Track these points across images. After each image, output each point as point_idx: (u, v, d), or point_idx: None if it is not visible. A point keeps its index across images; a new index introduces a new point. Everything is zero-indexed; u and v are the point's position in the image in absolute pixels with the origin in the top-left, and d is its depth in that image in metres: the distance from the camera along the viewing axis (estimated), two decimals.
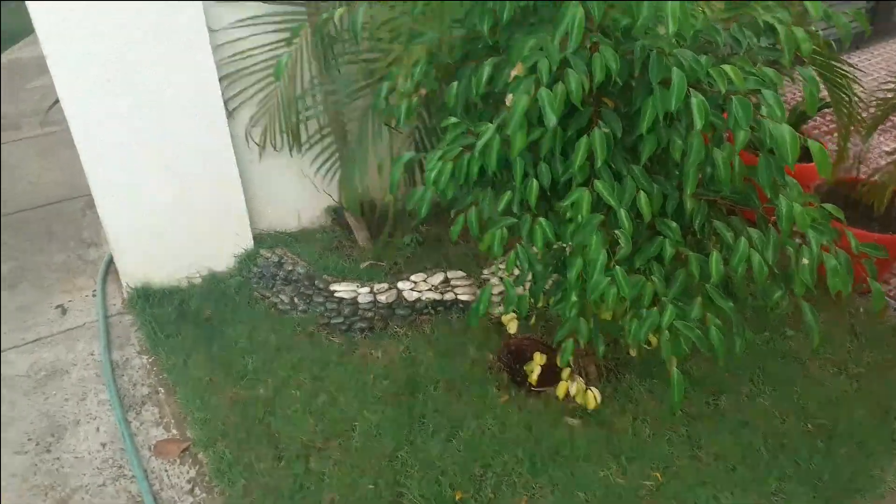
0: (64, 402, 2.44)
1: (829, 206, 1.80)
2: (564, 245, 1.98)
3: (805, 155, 3.03)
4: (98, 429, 2.34)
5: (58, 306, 2.87)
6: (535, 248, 1.92)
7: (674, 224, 1.84)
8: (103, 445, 2.29)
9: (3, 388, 2.49)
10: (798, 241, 1.76)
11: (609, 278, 1.75)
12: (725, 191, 1.87)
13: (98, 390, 2.48)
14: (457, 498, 2.03)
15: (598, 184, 1.77)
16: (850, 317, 2.63)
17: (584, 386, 2.23)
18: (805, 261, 1.75)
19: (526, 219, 1.89)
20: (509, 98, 1.70)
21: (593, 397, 2.19)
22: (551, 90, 1.62)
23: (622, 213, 1.76)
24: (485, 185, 2.00)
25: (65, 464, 2.23)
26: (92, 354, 2.63)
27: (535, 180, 1.85)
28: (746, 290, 1.91)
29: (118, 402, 2.41)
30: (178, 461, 2.23)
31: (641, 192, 1.78)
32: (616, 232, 1.77)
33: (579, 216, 1.76)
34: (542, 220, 1.87)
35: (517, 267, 1.96)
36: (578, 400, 2.22)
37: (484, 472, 2.11)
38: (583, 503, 2.00)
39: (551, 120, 1.63)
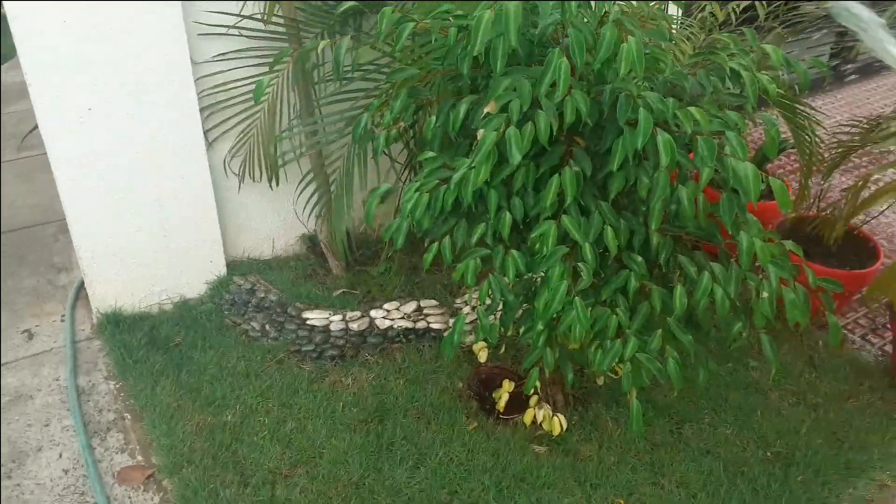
0: (27, 428, 2.41)
1: (788, 243, 1.88)
2: (535, 276, 2.04)
3: (769, 193, 3.15)
4: (61, 455, 2.31)
5: (24, 331, 2.85)
6: (506, 279, 1.97)
7: (639, 258, 1.90)
8: (66, 472, 2.26)
9: None
10: (760, 275, 1.83)
11: (571, 307, 1.81)
12: (690, 227, 1.95)
13: (62, 416, 2.45)
14: None
15: (565, 219, 1.83)
16: (809, 349, 2.70)
17: (550, 413, 2.27)
18: (765, 294, 1.82)
19: (499, 250, 1.94)
20: (480, 133, 1.77)
21: (559, 423, 2.22)
22: (520, 130, 1.69)
23: (587, 247, 1.83)
24: (459, 216, 2.05)
25: (25, 490, 2.19)
26: (57, 380, 2.61)
27: (508, 213, 1.91)
28: (711, 323, 1.97)
29: (82, 427, 2.39)
30: (143, 488, 2.21)
31: (608, 227, 1.85)
32: (579, 264, 1.84)
33: (545, 248, 1.82)
34: (514, 252, 1.93)
35: (489, 297, 2.01)
36: (545, 426, 2.25)
37: (451, 499, 2.12)
38: None
39: (516, 158, 1.70)
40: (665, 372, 1.86)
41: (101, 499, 2.14)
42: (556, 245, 1.82)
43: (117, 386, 2.58)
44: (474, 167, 1.75)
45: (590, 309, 1.87)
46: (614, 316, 1.85)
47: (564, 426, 2.26)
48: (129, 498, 2.17)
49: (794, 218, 3.08)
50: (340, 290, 3.03)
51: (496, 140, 1.72)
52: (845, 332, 2.87)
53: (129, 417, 2.45)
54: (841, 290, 1.90)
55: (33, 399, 2.52)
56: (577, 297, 1.82)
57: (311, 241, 3.28)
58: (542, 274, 1.89)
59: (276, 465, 2.21)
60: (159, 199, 2.75)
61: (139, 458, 2.31)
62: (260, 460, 2.23)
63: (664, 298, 1.89)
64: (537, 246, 1.86)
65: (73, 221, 2.66)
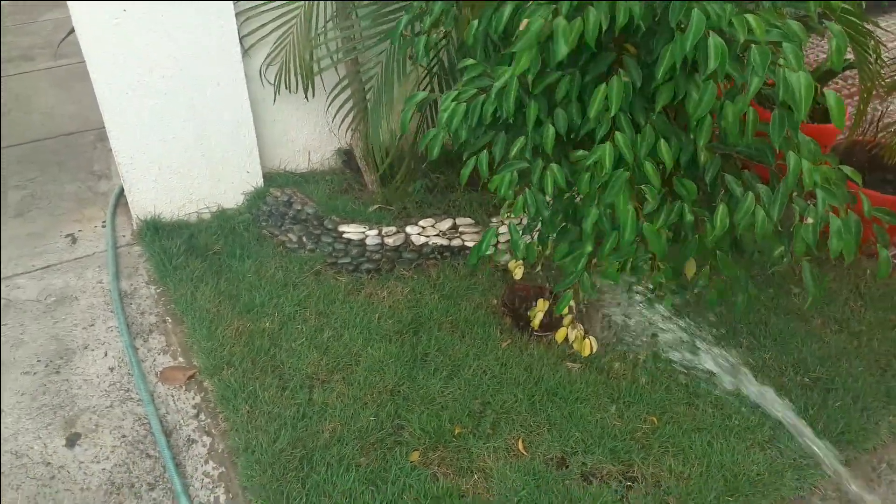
0: (73, 328, 2.48)
1: (846, 169, 1.78)
2: (576, 195, 1.98)
3: (823, 116, 2.99)
4: (106, 354, 2.38)
5: (68, 235, 2.90)
6: (544, 194, 1.92)
7: (691, 184, 1.82)
8: (111, 370, 2.33)
9: (13, 311, 2.54)
10: (811, 201, 1.75)
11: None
12: (740, 145, 1.86)
13: (106, 317, 2.52)
14: (455, 432, 2.07)
15: (618, 136, 1.75)
16: (856, 277, 2.63)
17: (582, 333, 2.25)
18: (809, 220, 1.74)
19: (537, 163, 1.88)
20: (524, 22, 1.67)
21: (589, 345, 2.21)
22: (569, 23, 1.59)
23: (647, 165, 1.75)
24: (499, 129, 1.99)
25: (73, 385, 2.27)
26: (101, 283, 2.66)
27: (551, 126, 1.84)
28: (753, 246, 1.91)
29: (126, 329, 2.45)
30: (184, 388, 2.27)
31: (662, 140, 1.77)
32: (643, 187, 1.76)
33: (603, 172, 1.74)
34: (553, 165, 1.86)
35: (525, 212, 1.96)
36: (576, 347, 2.24)
37: (483, 409, 2.15)
38: (578, 441, 2.04)
39: (561, 51, 1.59)
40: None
41: (145, 396, 2.22)
42: (613, 167, 1.74)
43: (158, 291, 2.63)
44: (511, 66, 1.67)
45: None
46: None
47: (595, 348, 2.24)
48: (172, 396, 2.24)
49: (849, 143, 2.95)
50: (376, 206, 3.01)
51: (540, 31, 1.62)
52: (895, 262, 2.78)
53: (170, 321, 2.51)
54: None
55: (78, 300, 2.59)
56: (646, 223, 1.76)
57: (346, 155, 3.25)
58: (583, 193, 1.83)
59: (313, 371, 2.26)
60: (196, 106, 2.73)
61: (180, 359, 2.37)
62: (298, 365, 2.27)
63: (717, 235, 1.81)
64: (595, 171, 1.78)
65: (112, 127, 2.65)
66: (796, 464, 2.00)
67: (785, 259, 1.86)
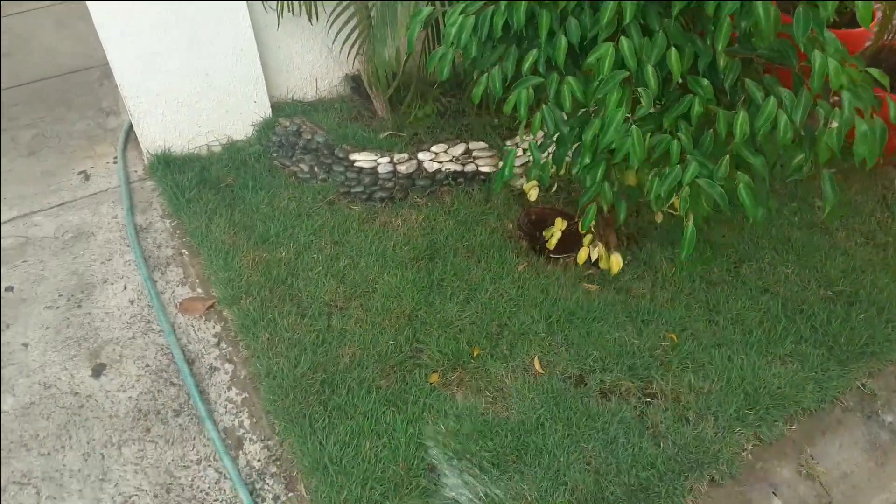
0: (91, 262, 2.50)
1: (874, 71, 1.69)
2: (591, 108, 1.92)
3: (849, 21, 2.84)
4: (126, 287, 2.40)
5: (80, 172, 2.89)
6: (561, 110, 1.86)
7: (705, 81, 1.75)
8: (131, 302, 2.35)
9: (32, 248, 2.56)
10: (835, 105, 1.67)
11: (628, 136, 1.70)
12: (762, 48, 1.77)
13: (124, 251, 2.53)
14: (474, 353, 2.08)
15: (623, 41, 1.68)
16: (882, 188, 2.55)
17: (606, 252, 2.22)
18: (834, 124, 1.67)
19: (553, 78, 1.81)
20: None
21: (617, 262, 2.17)
22: None
23: (648, 69, 1.68)
24: (509, 43, 1.91)
25: (95, 318, 2.31)
26: (116, 218, 2.67)
27: (563, 37, 1.76)
28: (776, 155, 1.84)
29: (143, 262, 2.46)
30: (204, 318, 2.29)
31: (672, 48, 1.69)
32: (639, 90, 1.70)
33: (602, 72, 1.68)
34: (570, 78, 1.79)
35: (543, 129, 1.90)
36: (601, 265, 2.22)
37: (500, 330, 2.15)
38: (596, 360, 2.04)
39: None
40: (726, 198, 1.74)
41: (166, 326, 2.24)
42: (615, 69, 1.68)
43: (173, 224, 2.63)
44: None
45: (648, 136, 1.76)
46: (676, 141, 1.74)
47: (621, 264, 2.21)
48: (192, 326, 2.27)
49: (876, 47, 2.81)
50: (387, 133, 2.95)
51: None
52: None
53: (186, 253, 2.51)
54: None
55: (95, 236, 2.60)
56: (634, 125, 1.70)
57: (354, 81, 3.17)
58: (596, 107, 1.77)
59: (331, 298, 2.26)
60: (198, 35, 2.65)
61: (199, 290, 2.39)
62: (315, 293, 2.27)
63: (730, 121, 1.75)
64: (594, 71, 1.72)
65: (115, 62, 2.60)
66: (817, 377, 1.99)
67: (805, 168, 1.80)
